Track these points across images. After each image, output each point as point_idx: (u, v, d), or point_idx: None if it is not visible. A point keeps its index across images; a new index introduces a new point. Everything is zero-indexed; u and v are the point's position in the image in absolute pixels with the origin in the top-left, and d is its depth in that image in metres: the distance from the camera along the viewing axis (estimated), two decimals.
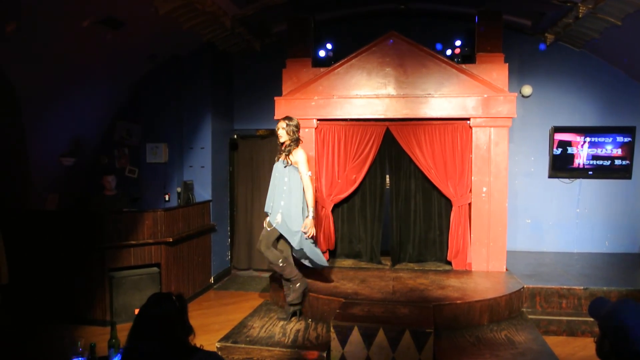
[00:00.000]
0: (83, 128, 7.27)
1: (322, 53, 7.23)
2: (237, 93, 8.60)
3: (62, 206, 7.03)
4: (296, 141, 5.36)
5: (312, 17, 7.08)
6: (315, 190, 6.86)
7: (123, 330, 2.55)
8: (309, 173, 5.29)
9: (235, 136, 8.70)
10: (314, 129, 6.83)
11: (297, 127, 5.38)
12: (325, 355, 4.58)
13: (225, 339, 4.95)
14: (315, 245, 5.42)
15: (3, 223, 5.53)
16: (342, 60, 6.78)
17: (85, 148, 7.47)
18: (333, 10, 7.77)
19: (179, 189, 7.73)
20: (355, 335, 4.52)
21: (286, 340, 4.89)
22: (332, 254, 7.33)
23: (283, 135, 5.33)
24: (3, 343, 5.13)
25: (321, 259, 5.44)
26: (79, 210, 6.87)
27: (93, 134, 7.61)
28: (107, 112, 7.66)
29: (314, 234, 5.29)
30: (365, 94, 6.70)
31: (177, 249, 6.62)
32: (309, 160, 5.42)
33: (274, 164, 5.48)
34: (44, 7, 5.11)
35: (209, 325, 5.85)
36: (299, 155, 5.27)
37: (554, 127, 7.68)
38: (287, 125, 5.33)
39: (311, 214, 5.23)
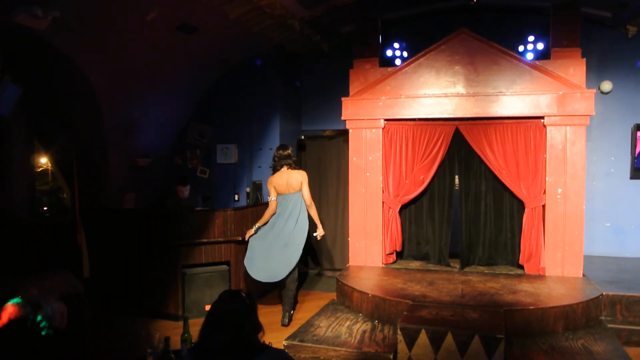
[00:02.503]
0: (158, 129, 7.58)
1: (389, 53, 7.19)
2: (304, 94, 8.68)
3: (138, 205, 7.36)
4: (273, 168, 6.18)
5: (380, 17, 7.04)
6: (382, 191, 6.84)
7: (195, 325, 2.64)
8: (271, 198, 6.11)
9: (303, 137, 8.79)
10: (381, 129, 6.79)
11: (278, 156, 6.12)
12: (392, 357, 4.54)
13: (292, 337, 5.02)
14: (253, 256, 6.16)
15: (85, 220, 5.86)
16: (410, 59, 6.70)
17: (160, 149, 7.79)
18: (401, 10, 7.69)
19: (248, 189, 7.91)
20: (423, 339, 4.45)
21: (352, 341, 4.89)
22: (399, 255, 7.26)
23: None
24: (84, 333, 5.42)
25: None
26: (155, 209, 7.17)
27: (167, 135, 7.92)
28: (181, 114, 7.96)
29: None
30: (434, 93, 6.58)
31: (246, 248, 6.76)
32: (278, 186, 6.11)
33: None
34: (123, 12, 5.37)
35: (276, 324, 5.94)
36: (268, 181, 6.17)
37: (637, 124, 7.23)
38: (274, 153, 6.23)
39: (254, 228, 6.18)
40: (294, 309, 6.26)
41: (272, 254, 6.02)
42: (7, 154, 6.10)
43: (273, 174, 6.14)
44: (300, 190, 6.03)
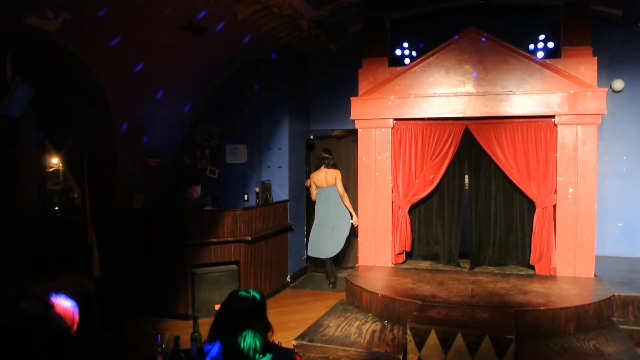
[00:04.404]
0: (167, 130, 7.61)
1: (398, 52, 7.16)
2: (313, 94, 8.68)
3: (147, 205, 7.39)
4: (315, 166, 7.88)
5: (388, 16, 7.02)
6: (392, 191, 6.83)
7: (204, 325, 2.64)
8: (312, 191, 7.82)
9: (312, 137, 8.79)
10: (390, 129, 6.77)
11: (319, 157, 7.77)
12: (401, 357, 4.53)
13: (301, 337, 5.01)
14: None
15: (95, 220, 5.90)
16: (419, 59, 6.68)
17: (169, 149, 7.81)
18: (409, 9, 7.66)
19: (257, 189, 7.92)
20: (433, 339, 4.44)
21: (362, 341, 4.87)
22: (409, 255, 7.24)
23: None
24: (95, 332, 5.46)
25: None
26: (164, 209, 7.19)
27: (176, 135, 7.95)
28: (190, 114, 7.98)
29: None
30: (443, 92, 6.56)
31: (255, 248, 6.78)
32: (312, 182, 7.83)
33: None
34: (131, 12, 5.39)
35: (285, 323, 5.95)
36: None
37: None
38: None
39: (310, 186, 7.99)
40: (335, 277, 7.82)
41: (324, 236, 7.62)
42: (18, 154, 6.15)
43: (314, 171, 7.82)
44: (335, 184, 7.53)
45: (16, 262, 5.34)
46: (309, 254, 7.86)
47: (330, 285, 7.65)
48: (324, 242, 7.64)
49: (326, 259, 7.72)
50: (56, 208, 7.47)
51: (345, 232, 7.62)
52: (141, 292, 6.44)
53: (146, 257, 6.42)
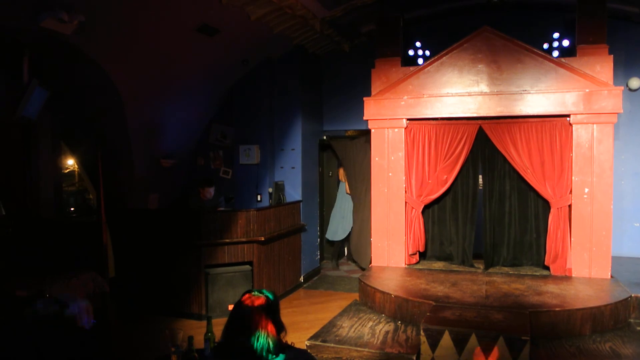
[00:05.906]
0: (181, 131, 7.65)
1: (411, 52, 7.14)
2: (326, 94, 8.68)
3: (162, 206, 7.44)
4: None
5: (401, 16, 7.00)
6: (405, 191, 6.80)
7: (218, 325, 2.65)
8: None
9: (325, 137, 8.79)
10: (403, 129, 6.75)
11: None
12: (415, 358, 4.51)
13: (314, 337, 5.02)
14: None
15: (110, 221, 5.95)
16: (433, 59, 6.65)
17: (183, 150, 7.86)
18: (422, 8, 7.64)
19: (270, 190, 7.94)
20: (446, 340, 4.41)
21: (375, 342, 4.87)
22: (422, 256, 7.21)
23: None
24: (109, 332, 5.50)
25: None
26: (178, 210, 7.23)
27: (190, 136, 8.00)
28: (203, 115, 8.02)
29: None
30: (457, 92, 6.52)
31: (269, 248, 6.80)
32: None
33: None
34: (145, 14, 5.43)
35: (298, 324, 5.95)
36: None
37: None
38: None
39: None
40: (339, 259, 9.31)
41: (335, 222, 8.93)
42: (34, 155, 6.22)
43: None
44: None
45: (32, 262, 5.39)
46: (327, 238, 9.04)
47: (334, 263, 9.04)
48: (337, 228, 8.90)
49: (337, 241, 8.97)
50: (72, 209, 7.54)
51: (351, 220, 8.70)
52: (155, 292, 6.48)
53: (160, 257, 6.46)
